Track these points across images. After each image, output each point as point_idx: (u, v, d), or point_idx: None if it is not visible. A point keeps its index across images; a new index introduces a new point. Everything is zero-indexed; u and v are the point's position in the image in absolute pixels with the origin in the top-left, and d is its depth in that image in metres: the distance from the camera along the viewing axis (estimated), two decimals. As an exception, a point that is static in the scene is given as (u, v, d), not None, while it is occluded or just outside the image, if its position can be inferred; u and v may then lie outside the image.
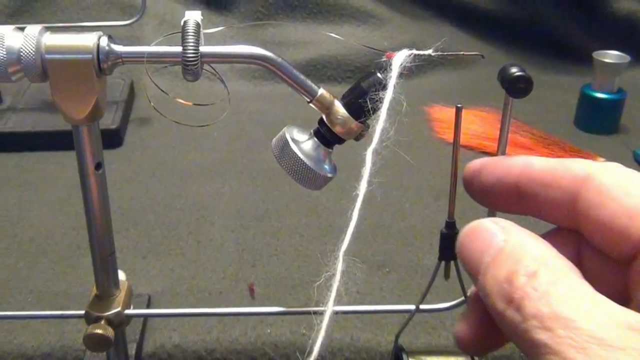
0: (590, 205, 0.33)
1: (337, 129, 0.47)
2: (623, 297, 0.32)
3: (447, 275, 0.49)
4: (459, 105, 0.43)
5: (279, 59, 0.46)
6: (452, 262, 0.48)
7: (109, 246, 0.54)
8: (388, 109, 0.42)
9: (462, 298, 0.52)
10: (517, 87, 0.40)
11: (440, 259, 0.48)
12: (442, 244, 0.48)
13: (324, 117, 0.47)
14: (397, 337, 0.64)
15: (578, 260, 0.35)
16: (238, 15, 1.52)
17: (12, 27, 0.46)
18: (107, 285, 0.56)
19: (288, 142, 0.47)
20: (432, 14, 1.58)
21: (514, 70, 0.40)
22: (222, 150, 1.13)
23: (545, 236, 0.35)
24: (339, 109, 0.46)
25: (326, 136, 0.47)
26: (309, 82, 0.47)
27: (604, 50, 1.19)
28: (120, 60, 0.46)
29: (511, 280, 0.29)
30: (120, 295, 0.57)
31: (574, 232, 0.35)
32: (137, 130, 1.19)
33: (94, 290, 0.57)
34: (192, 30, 0.45)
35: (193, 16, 0.46)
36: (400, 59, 0.42)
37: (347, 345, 0.71)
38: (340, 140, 0.48)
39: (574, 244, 0.35)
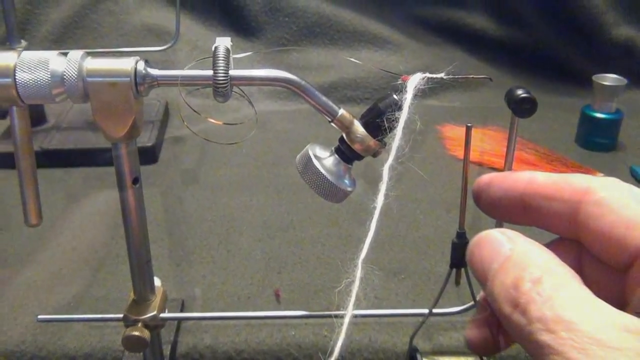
0: (590, 217, 0.33)
1: (357, 147, 0.47)
2: (620, 302, 0.32)
3: (457, 282, 0.49)
4: (468, 125, 0.43)
5: (303, 82, 0.46)
6: (462, 270, 0.48)
7: (145, 254, 0.55)
8: (403, 127, 0.42)
9: (472, 302, 0.51)
10: (522, 108, 0.40)
11: (451, 266, 0.48)
12: (453, 252, 0.48)
13: (344, 135, 0.47)
14: (411, 338, 0.64)
15: (579, 268, 0.35)
16: (265, 41, 1.52)
17: (56, 52, 0.47)
18: (143, 290, 0.57)
19: (311, 159, 0.47)
20: (444, 40, 1.58)
21: (520, 92, 0.40)
22: (249, 166, 1.13)
23: (549, 245, 0.35)
24: (358, 128, 0.47)
25: (346, 153, 0.48)
26: (330, 103, 0.47)
27: (603, 74, 1.19)
28: (156, 82, 0.47)
29: (517, 286, 0.30)
30: (156, 300, 0.58)
31: (575, 241, 0.35)
32: (172, 148, 1.19)
33: (132, 295, 0.57)
34: (223, 55, 0.46)
35: (223, 42, 0.46)
36: (414, 81, 0.43)
37: (365, 346, 0.71)
38: (359, 157, 0.48)
39: (575, 253, 0.35)
